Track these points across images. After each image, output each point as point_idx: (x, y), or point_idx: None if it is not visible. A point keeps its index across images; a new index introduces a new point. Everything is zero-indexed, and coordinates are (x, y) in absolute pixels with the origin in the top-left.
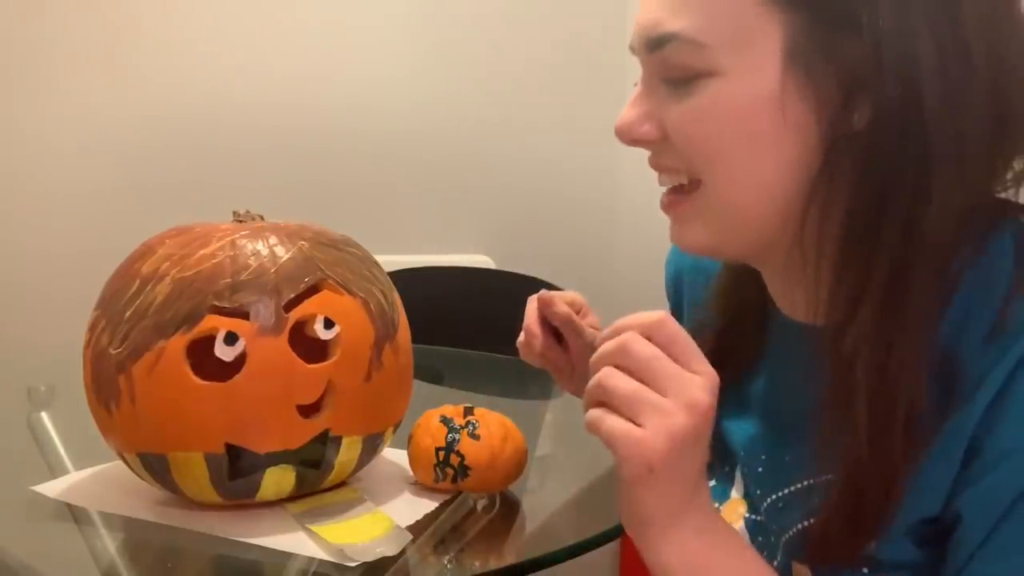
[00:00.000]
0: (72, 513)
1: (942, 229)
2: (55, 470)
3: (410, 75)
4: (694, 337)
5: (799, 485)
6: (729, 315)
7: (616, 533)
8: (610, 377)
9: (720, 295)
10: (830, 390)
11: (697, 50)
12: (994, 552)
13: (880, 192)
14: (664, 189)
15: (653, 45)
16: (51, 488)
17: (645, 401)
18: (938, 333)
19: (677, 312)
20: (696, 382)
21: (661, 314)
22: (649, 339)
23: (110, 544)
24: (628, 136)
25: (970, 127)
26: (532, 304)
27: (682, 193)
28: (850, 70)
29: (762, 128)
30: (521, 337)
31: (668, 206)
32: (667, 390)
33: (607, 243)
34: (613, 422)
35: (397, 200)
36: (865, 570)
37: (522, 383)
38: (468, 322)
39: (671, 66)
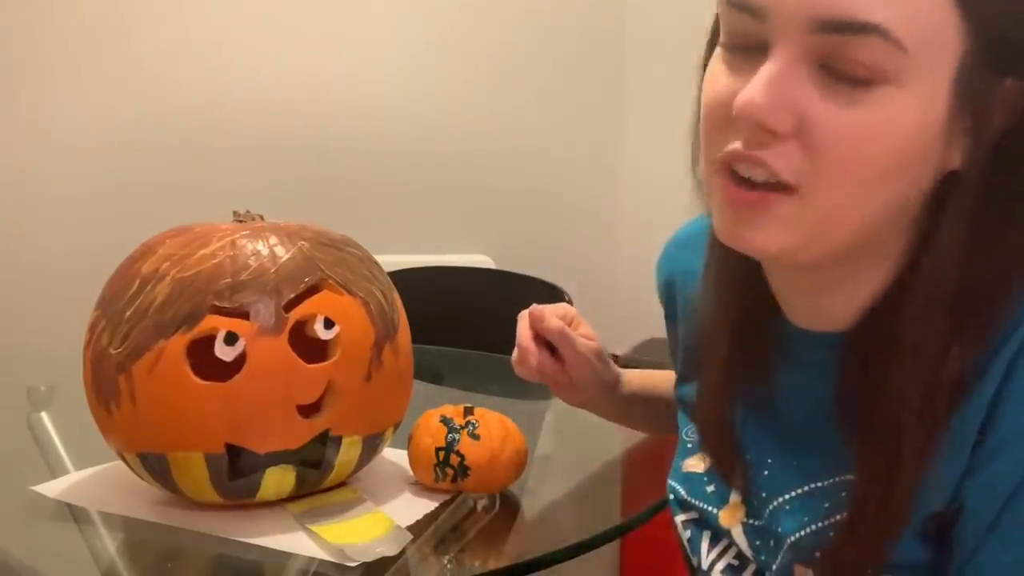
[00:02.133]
0: (72, 513)
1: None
2: (55, 470)
3: (410, 75)
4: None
5: (806, 488)
6: (736, 328)
7: (616, 533)
8: None
9: (724, 308)
10: (873, 388)
11: (894, 53)
12: (1002, 539)
13: (974, 229)
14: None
15: (834, 28)
16: (51, 488)
17: None
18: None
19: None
20: None
21: None
22: None
23: (110, 544)
24: (755, 119)
25: None
26: (523, 321)
27: (774, 192)
28: (992, 108)
29: (911, 156)
30: (515, 354)
31: (750, 203)
32: None
33: (607, 243)
34: None
35: (397, 200)
36: (870, 571)
37: (522, 383)
38: (468, 322)
39: (849, 60)
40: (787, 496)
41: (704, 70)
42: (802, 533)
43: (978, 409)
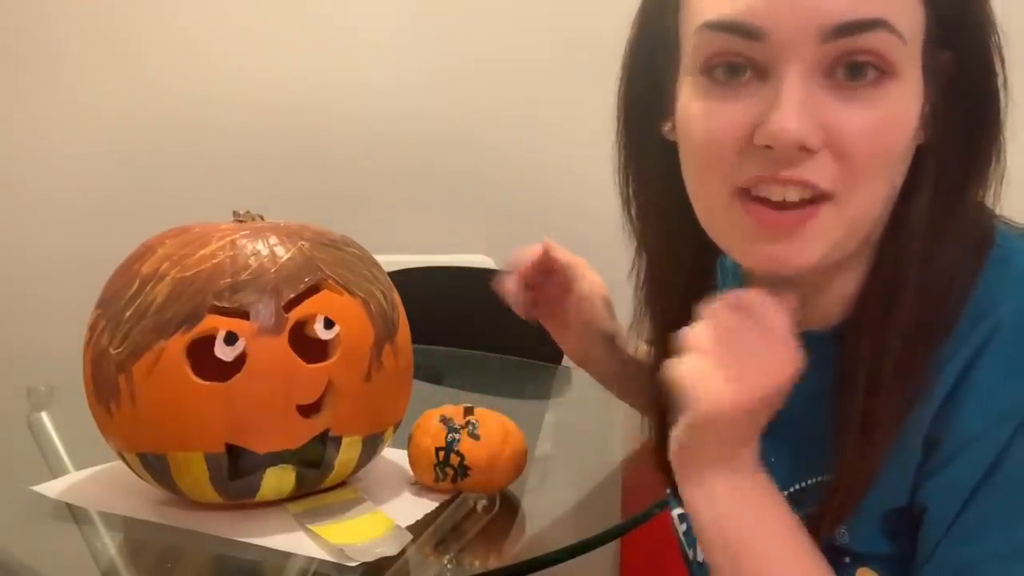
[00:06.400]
0: (72, 513)
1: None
2: (55, 470)
3: (410, 75)
4: None
5: (788, 491)
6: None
7: (616, 533)
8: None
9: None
10: (846, 388)
11: (898, 44)
12: (959, 537)
13: (932, 201)
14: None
15: (844, 31)
16: (51, 488)
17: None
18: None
19: None
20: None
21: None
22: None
23: (110, 544)
24: (795, 144)
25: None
26: (536, 246)
27: (813, 205)
28: (937, 85)
29: (912, 139)
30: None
31: (797, 222)
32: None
33: (607, 243)
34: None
35: (397, 200)
36: (847, 559)
37: (522, 383)
38: (468, 322)
39: (857, 60)
40: None
41: (628, 97)
42: None
43: (929, 407)
